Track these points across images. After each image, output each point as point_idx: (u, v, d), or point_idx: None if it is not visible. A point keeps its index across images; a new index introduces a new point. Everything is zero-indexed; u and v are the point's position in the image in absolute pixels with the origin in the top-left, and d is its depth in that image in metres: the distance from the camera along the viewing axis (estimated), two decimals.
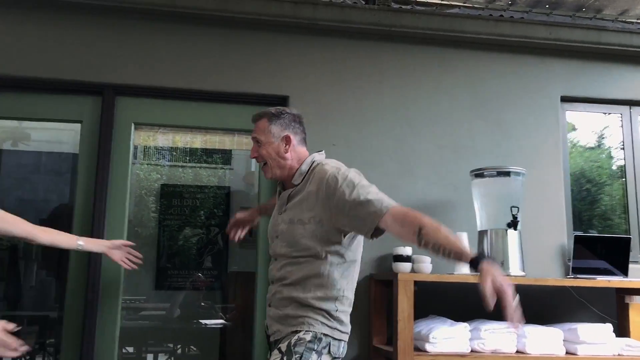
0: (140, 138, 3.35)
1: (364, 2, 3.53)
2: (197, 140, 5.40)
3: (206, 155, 5.63)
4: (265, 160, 2.18)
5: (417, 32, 3.50)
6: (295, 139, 2.19)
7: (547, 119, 3.64)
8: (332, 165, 2.12)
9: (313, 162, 2.18)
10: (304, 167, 2.17)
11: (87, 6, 3.19)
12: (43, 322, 5.22)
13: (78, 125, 3.19)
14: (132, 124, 3.23)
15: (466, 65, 3.60)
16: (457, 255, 1.88)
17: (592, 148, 4.23)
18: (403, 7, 3.58)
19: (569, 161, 3.72)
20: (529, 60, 3.68)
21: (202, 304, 5.09)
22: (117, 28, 3.24)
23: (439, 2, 3.63)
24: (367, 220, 1.96)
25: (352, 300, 2.18)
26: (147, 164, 5.46)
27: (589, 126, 4.16)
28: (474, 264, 1.81)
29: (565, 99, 3.70)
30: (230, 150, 5.41)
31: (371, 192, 1.99)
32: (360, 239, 2.17)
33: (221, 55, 3.34)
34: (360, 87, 3.44)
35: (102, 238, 3.00)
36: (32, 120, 3.51)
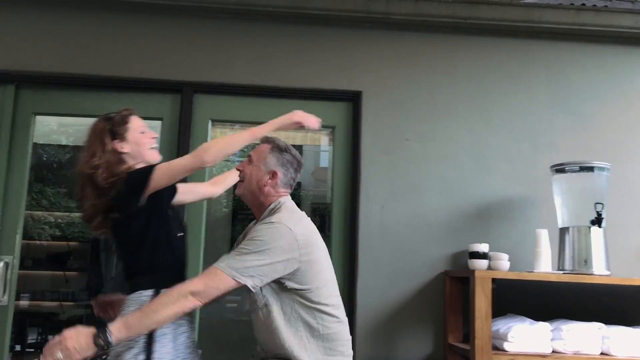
0: (217, 134, 3.42)
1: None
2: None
3: None
4: (245, 179, 2.18)
5: (494, 24, 3.41)
6: (281, 180, 2.16)
7: (633, 111, 3.47)
8: (277, 216, 2.07)
9: (279, 203, 2.15)
10: (272, 207, 2.15)
11: (165, 7, 3.28)
12: None
13: (154, 123, 3.29)
14: (210, 121, 3.31)
15: (546, 57, 3.48)
16: None
17: None
18: None
19: None
20: (613, 51, 3.51)
21: None
22: (194, 27, 3.33)
23: None
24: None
25: None
26: (223, 160, 5.58)
27: None
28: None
29: None
30: (302, 145, 5.45)
31: (248, 259, 1.95)
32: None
33: (295, 51, 3.36)
34: (434, 81, 3.39)
35: None
36: None
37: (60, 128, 5.28)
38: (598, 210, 2.94)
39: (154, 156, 2.25)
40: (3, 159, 3.18)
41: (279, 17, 3.35)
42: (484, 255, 3.01)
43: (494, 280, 2.74)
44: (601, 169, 3.04)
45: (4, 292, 3.08)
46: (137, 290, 2.05)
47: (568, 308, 3.05)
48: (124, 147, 2.20)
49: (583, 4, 3.52)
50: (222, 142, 2.11)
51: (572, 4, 3.51)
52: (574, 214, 3.02)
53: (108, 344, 1.79)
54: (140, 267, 2.11)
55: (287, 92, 3.33)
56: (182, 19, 3.33)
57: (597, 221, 2.93)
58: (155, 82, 3.26)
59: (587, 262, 2.88)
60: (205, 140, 3.26)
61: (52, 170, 6.45)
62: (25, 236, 3.94)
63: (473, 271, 2.77)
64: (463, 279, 3.00)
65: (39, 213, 6.24)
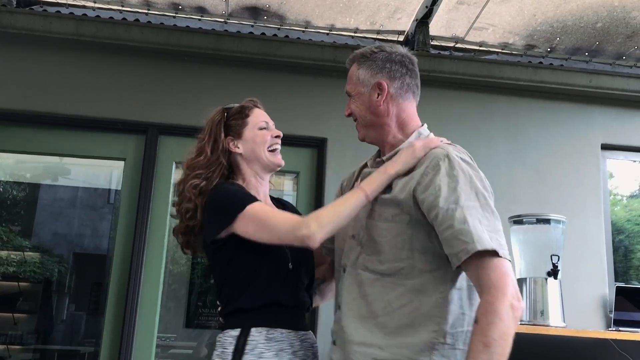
0: (180, 176, 3.38)
1: None
2: None
3: None
4: (356, 116, 1.68)
5: (456, 78, 3.52)
6: (392, 87, 1.61)
7: (588, 166, 3.59)
8: (444, 147, 1.53)
9: (421, 134, 1.64)
10: (406, 143, 1.61)
11: (133, 48, 3.29)
12: (73, 357, 5.24)
13: (114, 163, 3.26)
14: (174, 163, 3.29)
15: (505, 111, 3.60)
16: None
17: (632, 196, 4.16)
18: (441, 52, 3.61)
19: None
20: (569, 108, 3.66)
21: None
22: (161, 69, 3.34)
23: (477, 48, 3.66)
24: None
25: None
26: None
27: (627, 174, 4.09)
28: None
29: (606, 147, 3.66)
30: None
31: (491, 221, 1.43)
32: None
33: (262, 97, 3.36)
34: None
35: (141, 267, 3.07)
36: (78, 157, 3.59)
37: (17, 164, 5.18)
38: (554, 262, 3.00)
39: (273, 160, 1.82)
40: None
41: (247, 63, 3.39)
42: None
43: None
44: (557, 221, 3.11)
45: None
46: (225, 329, 1.65)
47: (524, 359, 3.06)
48: (238, 147, 1.82)
49: (540, 63, 3.68)
50: (333, 210, 1.56)
51: (530, 61, 3.67)
52: (531, 266, 3.07)
53: None
54: (228, 303, 1.69)
55: None
56: (149, 60, 3.34)
57: (553, 273, 2.99)
58: (120, 122, 3.23)
59: (543, 313, 2.92)
60: (168, 183, 3.23)
61: (5, 207, 6.27)
62: None
63: None
64: None
65: None
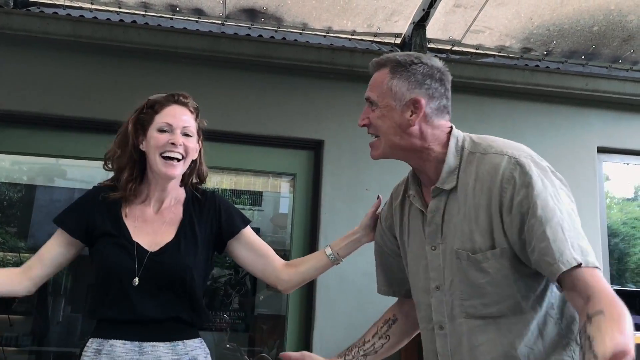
0: None
1: (399, 51, 3.59)
2: (226, 181, 5.46)
3: (234, 195, 5.68)
4: (378, 132, 1.47)
5: (452, 80, 3.49)
6: (429, 106, 1.44)
7: (584, 169, 3.60)
8: (500, 149, 1.39)
9: (461, 145, 1.45)
10: (451, 157, 1.42)
11: (129, 50, 3.28)
12: (69, 358, 5.22)
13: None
14: None
15: (501, 114, 3.60)
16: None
17: (628, 200, 4.17)
18: (438, 55, 3.62)
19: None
20: (565, 111, 3.67)
21: (228, 345, 5.05)
22: (159, 71, 3.33)
23: (474, 51, 3.67)
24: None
25: None
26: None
27: (623, 177, 4.11)
28: None
29: (602, 150, 3.67)
30: (262, 192, 5.45)
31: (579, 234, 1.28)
32: None
33: (259, 99, 3.40)
34: None
35: None
36: (75, 158, 3.65)
37: (13, 166, 5.16)
38: None
39: (162, 169, 1.71)
40: None
41: (244, 65, 3.39)
42: None
43: None
44: None
45: None
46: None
47: None
48: (143, 145, 1.76)
49: (537, 66, 3.69)
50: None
51: (526, 65, 3.68)
52: None
53: None
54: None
55: (249, 138, 3.34)
56: (146, 62, 3.33)
57: None
58: (116, 123, 3.21)
59: None
60: None
61: (1, 208, 6.25)
62: None
63: None
64: None
65: None
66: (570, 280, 1.22)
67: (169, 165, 1.71)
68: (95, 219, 1.73)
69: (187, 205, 1.83)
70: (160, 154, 1.70)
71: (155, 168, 1.72)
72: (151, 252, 1.70)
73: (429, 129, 1.44)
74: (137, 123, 1.78)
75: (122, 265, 1.67)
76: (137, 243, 1.71)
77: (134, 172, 1.77)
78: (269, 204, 5.62)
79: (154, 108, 1.77)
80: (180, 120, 1.75)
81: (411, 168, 1.56)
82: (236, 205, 5.74)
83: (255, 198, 5.64)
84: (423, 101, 1.42)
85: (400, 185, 1.65)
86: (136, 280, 1.66)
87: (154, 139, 1.72)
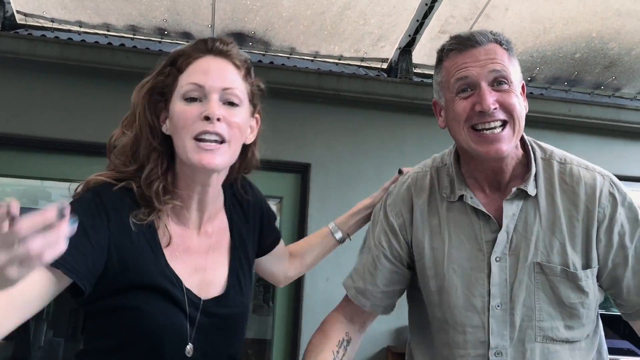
0: None
1: (385, 75, 3.63)
2: None
3: None
4: (511, 117, 1.24)
5: None
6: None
7: None
8: (580, 162, 1.33)
9: (530, 146, 1.34)
10: (533, 159, 1.31)
11: (117, 73, 3.29)
12: None
13: None
14: None
15: None
16: None
17: None
18: (424, 80, 3.66)
19: None
20: (548, 135, 3.68)
21: None
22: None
23: None
24: None
25: None
26: None
27: None
28: None
29: None
30: None
31: None
32: None
33: None
34: (382, 156, 3.49)
35: None
36: (61, 180, 3.53)
37: None
38: None
39: (194, 157, 1.13)
40: None
41: None
42: None
43: None
44: None
45: None
46: None
47: None
48: (167, 125, 1.18)
49: None
50: None
51: None
52: None
53: None
54: None
55: None
56: (135, 85, 3.32)
57: None
58: (103, 146, 3.21)
59: None
60: None
61: None
62: None
63: None
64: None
65: None
66: None
67: (203, 150, 1.12)
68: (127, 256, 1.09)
69: (230, 212, 1.32)
70: (193, 136, 1.13)
71: (185, 157, 1.13)
72: (204, 300, 1.15)
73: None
74: (155, 91, 1.19)
75: (174, 327, 1.09)
76: (187, 289, 1.13)
77: (159, 169, 1.15)
78: None
79: (176, 64, 1.18)
80: (217, 79, 1.15)
81: (449, 159, 1.37)
82: None
83: None
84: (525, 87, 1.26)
85: (424, 180, 1.39)
86: (190, 349, 1.10)
87: (178, 114, 1.14)
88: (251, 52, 3.51)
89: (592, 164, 1.35)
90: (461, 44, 1.25)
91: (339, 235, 1.64)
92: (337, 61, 3.62)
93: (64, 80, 3.28)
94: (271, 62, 3.51)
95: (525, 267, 1.20)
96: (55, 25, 3.33)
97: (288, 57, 3.56)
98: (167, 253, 1.13)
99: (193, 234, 1.21)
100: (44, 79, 3.27)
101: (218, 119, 1.11)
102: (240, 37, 3.42)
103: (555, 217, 1.23)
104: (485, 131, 1.21)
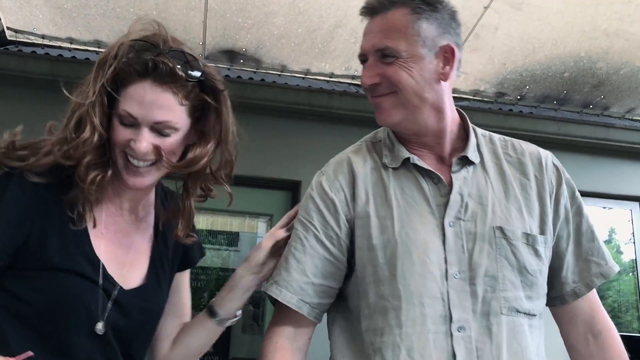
0: None
1: None
2: (202, 221, 5.41)
3: (211, 236, 5.62)
4: (397, 87, 1.15)
5: None
6: (458, 59, 1.18)
7: None
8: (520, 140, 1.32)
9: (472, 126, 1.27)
10: (471, 128, 1.26)
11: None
12: None
13: None
14: None
15: None
16: None
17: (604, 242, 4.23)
18: None
19: None
20: None
21: None
22: None
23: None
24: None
25: None
26: None
27: (597, 221, 4.17)
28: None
29: None
30: (238, 232, 5.40)
31: None
32: None
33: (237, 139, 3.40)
34: None
35: None
36: None
37: None
38: None
39: (126, 179, 1.13)
40: None
41: None
42: None
43: None
44: None
45: None
46: None
47: None
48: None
49: (510, 110, 3.77)
50: None
51: (500, 108, 3.76)
52: None
53: None
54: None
55: None
56: None
57: None
58: None
59: None
60: None
61: None
62: None
63: None
64: None
65: None
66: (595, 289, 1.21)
67: (132, 171, 1.11)
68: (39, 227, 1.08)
69: (158, 209, 1.28)
70: (123, 155, 1.12)
71: (117, 168, 1.14)
72: (124, 288, 1.15)
73: (448, 90, 1.19)
74: (113, 79, 1.11)
75: (83, 302, 1.08)
76: (106, 272, 1.12)
77: (100, 156, 1.12)
78: (245, 244, 5.56)
79: (122, 75, 1.10)
80: (150, 112, 1.08)
81: (383, 135, 1.31)
82: (212, 246, 5.60)
83: (232, 238, 5.58)
84: (456, 50, 1.16)
85: (360, 152, 1.29)
86: (101, 327, 1.09)
87: (114, 127, 1.11)
88: (242, 70, 3.52)
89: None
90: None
91: (217, 316, 1.32)
92: (328, 79, 3.63)
93: (54, 96, 3.26)
94: (262, 80, 3.52)
95: (484, 233, 1.10)
96: (46, 42, 3.33)
97: (279, 75, 3.56)
98: (92, 235, 1.12)
99: (119, 220, 1.19)
100: (34, 96, 3.25)
101: (145, 150, 1.09)
102: (232, 55, 3.43)
103: (507, 185, 1.17)
104: None
